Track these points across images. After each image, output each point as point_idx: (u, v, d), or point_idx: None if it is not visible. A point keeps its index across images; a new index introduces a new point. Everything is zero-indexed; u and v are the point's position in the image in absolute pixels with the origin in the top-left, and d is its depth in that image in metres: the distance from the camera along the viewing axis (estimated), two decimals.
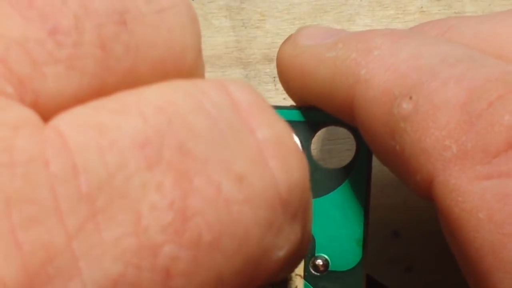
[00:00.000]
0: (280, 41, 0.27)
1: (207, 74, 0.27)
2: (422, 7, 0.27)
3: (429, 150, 0.17)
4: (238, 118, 0.13)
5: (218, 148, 0.12)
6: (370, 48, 0.18)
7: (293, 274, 0.20)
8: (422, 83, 0.17)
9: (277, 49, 0.25)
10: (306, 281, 0.20)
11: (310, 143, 0.21)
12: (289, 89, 0.21)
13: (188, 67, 0.14)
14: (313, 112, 0.20)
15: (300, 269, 0.20)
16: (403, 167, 0.18)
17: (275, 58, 0.27)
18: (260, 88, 0.27)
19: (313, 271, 0.20)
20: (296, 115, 0.21)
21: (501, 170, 0.15)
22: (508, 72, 0.17)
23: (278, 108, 0.20)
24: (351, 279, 0.20)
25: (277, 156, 0.13)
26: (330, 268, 0.20)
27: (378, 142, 0.18)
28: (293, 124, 0.20)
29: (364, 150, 0.20)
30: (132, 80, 0.13)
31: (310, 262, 0.20)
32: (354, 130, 0.20)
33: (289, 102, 0.22)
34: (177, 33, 0.13)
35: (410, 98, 0.17)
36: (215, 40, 0.27)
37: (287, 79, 0.21)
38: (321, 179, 0.20)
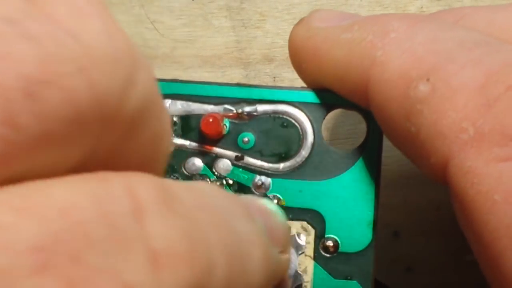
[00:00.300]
0: (280, 41, 0.27)
1: (207, 74, 0.27)
2: (422, 7, 0.27)
3: (446, 132, 0.17)
4: (137, 227, 0.12)
5: (112, 258, 0.11)
6: (386, 30, 0.18)
7: (303, 255, 0.20)
8: (439, 66, 0.17)
9: (277, 49, 0.25)
10: (316, 262, 0.20)
11: (321, 125, 0.21)
12: (302, 72, 0.21)
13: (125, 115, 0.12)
14: (324, 94, 0.21)
15: (310, 250, 0.21)
16: (418, 149, 0.18)
17: (275, 58, 0.27)
18: None
19: (323, 252, 0.21)
20: (308, 97, 0.21)
21: None
22: None
23: (289, 88, 0.21)
24: (361, 260, 0.20)
25: (169, 266, 0.12)
26: (340, 250, 0.20)
27: (393, 124, 0.18)
28: (304, 105, 0.21)
29: (375, 133, 0.21)
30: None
31: (320, 243, 0.21)
32: (365, 113, 0.20)
33: None
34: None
35: (428, 80, 0.17)
36: (215, 40, 0.27)
37: (300, 61, 0.21)
38: (331, 161, 0.21)
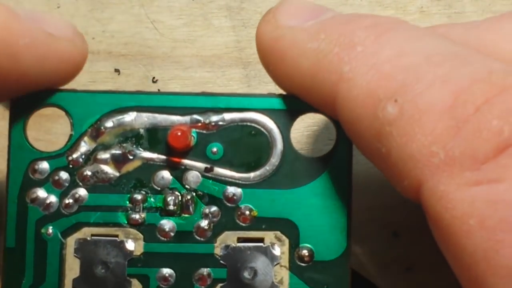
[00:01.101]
0: None
1: (207, 74, 0.27)
2: (422, 7, 0.27)
3: (416, 156, 0.16)
4: None
5: None
6: (353, 43, 0.18)
7: (278, 266, 0.20)
8: (406, 85, 0.17)
9: None
10: (291, 272, 0.20)
11: (290, 131, 0.20)
12: (270, 73, 0.20)
13: None
14: (291, 99, 0.20)
15: (285, 261, 0.20)
16: (390, 169, 0.17)
17: None
18: (260, 88, 0.27)
19: (298, 262, 0.20)
20: (275, 103, 0.20)
21: (490, 176, 0.15)
22: (494, 71, 0.16)
23: (256, 96, 0.20)
24: (337, 268, 0.20)
25: None
26: (315, 258, 0.20)
27: (363, 142, 0.18)
28: (271, 112, 0.20)
29: (345, 139, 0.20)
30: None
31: (295, 252, 0.20)
32: (334, 119, 0.20)
33: None
34: None
35: (395, 101, 0.17)
36: (215, 40, 0.27)
37: (267, 63, 0.20)
38: (301, 168, 0.20)
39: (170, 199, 0.20)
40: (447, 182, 0.16)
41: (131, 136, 0.20)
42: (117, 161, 0.20)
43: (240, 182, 0.20)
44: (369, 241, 0.25)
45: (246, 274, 0.20)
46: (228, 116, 0.20)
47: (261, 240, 0.20)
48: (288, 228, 0.20)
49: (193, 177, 0.20)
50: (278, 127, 0.20)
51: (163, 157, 0.20)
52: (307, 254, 0.20)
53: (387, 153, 0.17)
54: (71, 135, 0.20)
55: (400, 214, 0.26)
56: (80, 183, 0.20)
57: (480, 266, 0.15)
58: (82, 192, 0.20)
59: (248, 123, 0.20)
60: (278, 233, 0.20)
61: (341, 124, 0.19)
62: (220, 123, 0.20)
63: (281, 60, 0.19)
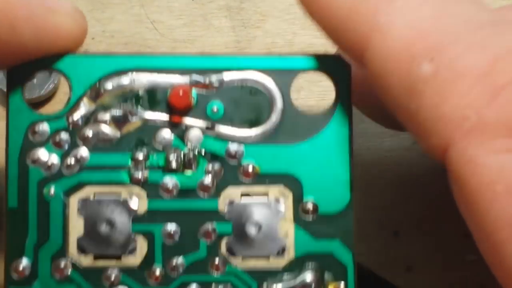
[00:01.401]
0: (280, 41, 0.27)
1: None
2: None
3: (447, 117, 0.16)
4: None
5: None
6: None
7: (283, 220, 0.20)
8: (444, 46, 0.17)
9: (277, 49, 0.25)
10: (296, 225, 0.20)
11: (289, 89, 0.21)
12: (305, 5, 0.20)
13: None
14: (289, 58, 0.20)
15: (289, 214, 0.20)
16: (418, 127, 0.17)
17: None
18: None
19: (302, 216, 0.20)
20: (274, 62, 0.20)
21: None
22: None
23: (255, 55, 0.20)
24: (341, 221, 0.20)
25: None
26: (319, 212, 0.20)
27: (391, 96, 0.18)
28: (270, 71, 0.20)
29: (344, 94, 0.20)
30: None
31: (299, 207, 0.20)
32: (333, 75, 0.20)
33: None
34: None
35: (431, 60, 0.17)
36: (215, 40, 0.27)
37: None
38: (302, 124, 0.20)
39: (172, 157, 0.20)
40: (477, 146, 0.16)
41: (130, 97, 0.20)
42: (118, 121, 0.20)
43: (241, 139, 0.20)
44: (369, 241, 0.26)
45: (251, 229, 0.20)
46: (227, 76, 0.20)
47: (265, 195, 0.20)
48: (292, 183, 0.20)
49: (194, 135, 0.20)
50: (278, 85, 0.20)
51: (164, 117, 0.20)
52: (311, 207, 0.20)
53: (416, 110, 0.17)
54: (69, 97, 0.20)
55: (400, 214, 0.26)
56: (81, 144, 0.20)
57: (502, 233, 0.16)
58: (83, 152, 0.20)
59: (247, 83, 0.20)
60: (282, 188, 0.20)
61: (368, 74, 0.18)
62: (220, 83, 0.20)
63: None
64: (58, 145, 0.20)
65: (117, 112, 0.20)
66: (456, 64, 0.16)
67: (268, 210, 0.20)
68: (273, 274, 0.20)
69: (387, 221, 0.26)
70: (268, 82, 0.20)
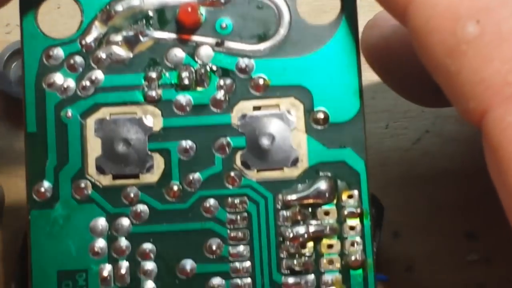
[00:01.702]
0: None
1: None
2: None
3: (489, 81, 0.16)
4: None
5: None
6: None
7: (295, 130, 0.21)
8: (491, 8, 0.17)
9: None
10: (308, 135, 0.21)
11: (296, 2, 0.21)
12: None
13: None
14: None
15: (301, 125, 0.21)
16: (456, 89, 0.17)
17: None
18: None
19: (314, 125, 0.21)
20: None
21: None
22: None
23: None
24: (352, 128, 0.21)
25: None
26: (330, 121, 0.21)
27: (431, 56, 0.17)
28: None
29: (349, 4, 0.21)
30: None
31: (310, 117, 0.21)
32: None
33: None
34: None
35: (477, 22, 0.16)
36: None
37: None
38: (310, 35, 0.21)
39: (184, 74, 0.21)
40: None
41: (141, 17, 0.21)
42: (129, 42, 0.21)
43: (251, 54, 0.21)
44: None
45: (264, 140, 0.21)
46: None
47: (276, 107, 0.21)
48: (302, 94, 0.21)
49: (205, 52, 0.21)
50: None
51: (174, 35, 0.21)
52: (322, 116, 0.21)
53: (456, 72, 0.17)
54: (81, 21, 0.21)
55: (400, 214, 0.26)
56: (95, 66, 0.21)
57: None
58: (98, 74, 0.21)
59: None
60: (292, 99, 0.21)
61: (409, 31, 0.18)
62: None
63: None
64: (72, 68, 0.21)
65: (128, 33, 0.21)
66: (503, 27, 0.16)
67: (280, 122, 0.21)
68: (287, 185, 0.21)
69: (387, 221, 0.26)
70: None
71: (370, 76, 0.25)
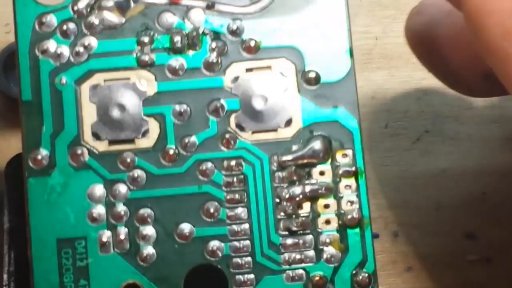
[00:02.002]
0: None
1: None
2: None
3: None
4: None
5: None
6: None
7: (287, 91, 0.21)
8: None
9: None
10: (301, 95, 0.21)
11: None
12: None
13: None
14: None
15: (293, 85, 0.21)
16: None
17: None
18: None
19: (306, 85, 0.21)
20: None
21: None
22: None
23: None
24: (344, 87, 0.21)
25: None
26: (322, 81, 0.21)
27: (487, 37, 0.17)
28: None
29: None
30: None
31: (302, 77, 0.21)
32: None
33: None
34: None
35: None
36: None
37: None
38: None
39: (176, 38, 0.21)
40: None
41: None
42: (121, 7, 0.21)
43: (241, 15, 0.21)
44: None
45: (258, 102, 0.21)
46: None
47: (268, 68, 0.21)
48: (293, 54, 0.21)
49: (196, 15, 0.21)
50: None
51: None
52: (313, 76, 0.21)
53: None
54: None
55: (400, 214, 0.26)
56: (88, 32, 0.21)
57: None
58: (91, 40, 0.21)
59: None
60: (284, 60, 0.21)
61: (464, 14, 0.18)
62: None
63: None
64: (65, 35, 0.21)
65: None
66: None
67: (273, 83, 0.21)
68: (282, 145, 0.21)
69: (387, 221, 0.26)
70: None
71: (370, 76, 0.25)
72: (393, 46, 0.28)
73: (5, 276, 0.23)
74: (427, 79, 0.27)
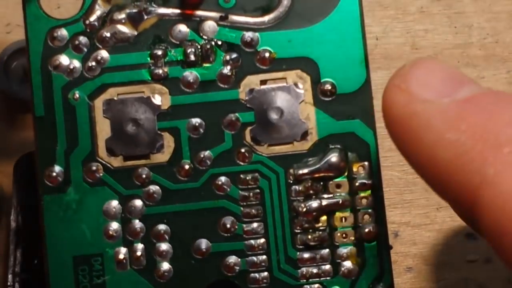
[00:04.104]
0: None
1: None
2: (422, 7, 0.27)
3: None
4: None
5: None
6: (499, 142, 0.16)
7: (303, 103, 0.21)
8: None
9: None
10: (316, 107, 0.21)
11: None
12: (400, 150, 0.18)
13: None
14: None
15: (309, 97, 0.21)
16: None
17: None
18: None
19: (321, 97, 0.21)
20: None
21: None
22: None
23: None
24: (360, 98, 0.21)
25: None
26: (337, 92, 0.21)
27: (508, 256, 0.16)
28: None
29: None
30: None
31: (318, 88, 0.21)
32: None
33: None
34: None
35: None
36: None
37: (397, 139, 0.18)
38: (313, 6, 0.21)
39: (190, 50, 0.21)
40: None
41: None
42: (133, 20, 0.21)
43: (255, 27, 0.21)
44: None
45: (273, 115, 0.20)
46: None
47: (283, 80, 0.21)
48: (308, 65, 0.21)
49: (209, 27, 0.21)
50: None
51: (177, 11, 0.21)
52: (329, 88, 0.21)
53: None
54: (84, 0, 0.21)
55: (400, 214, 0.26)
56: (100, 46, 0.21)
57: None
58: (103, 54, 0.21)
59: None
60: (299, 71, 0.21)
61: (481, 226, 0.16)
62: None
63: (414, 142, 0.17)
64: (77, 49, 0.21)
65: (131, 10, 0.21)
66: None
67: (288, 95, 0.21)
68: (298, 159, 0.21)
69: (387, 221, 0.26)
70: None
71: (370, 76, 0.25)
72: (393, 46, 0.27)
73: (9, 277, 0.23)
74: None
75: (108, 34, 0.21)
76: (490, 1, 0.27)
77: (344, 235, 0.20)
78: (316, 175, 0.20)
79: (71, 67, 0.21)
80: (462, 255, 0.26)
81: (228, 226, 0.20)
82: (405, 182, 0.26)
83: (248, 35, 0.21)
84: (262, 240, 0.20)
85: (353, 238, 0.20)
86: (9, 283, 0.23)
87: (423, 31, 0.27)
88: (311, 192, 0.20)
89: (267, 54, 0.21)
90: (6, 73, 0.26)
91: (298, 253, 0.20)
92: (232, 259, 0.20)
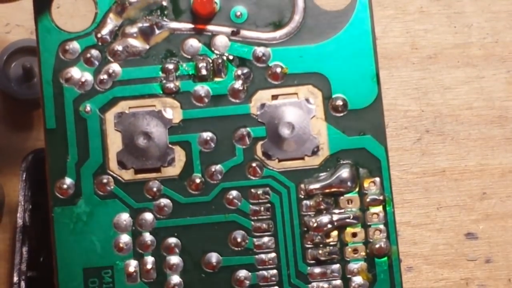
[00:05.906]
0: None
1: None
2: (421, 7, 0.27)
3: None
4: None
5: None
6: None
7: (315, 118, 0.21)
8: None
9: None
10: (328, 123, 0.21)
11: None
12: None
13: None
14: None
15: (320, 112, 0.21)
16: None
17: None
18: None
19: (333, 113, 0.21)
20: None
21: None
22: None
23: None
24: (371, 115, 0.21)
25: None
26: (349, 107, 0.21)
27: None
28: None
29: None
30: None
31: (329, 104, 0.21)
32: None
33: None
34: None
35: None
36: None
37: None
38: (325, 22, 0.21)
39: (201, 65, 0.21)
40: None
41: (155, 8, 0.21)
42: (145, 34, 0.21)
43: (267, 42, 0.21)
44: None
45: (284, 129, 0.21)
46: None
47: (294, 95, 0.21)
48: (320, 81, 0.21)
49: (221, 41, 0.21)
50: None
51: (189, 25, 0.21)
52: (341, 103, 0.21)
53: None
54: (96, 13, 0.21)
55: (400, 215, 0.26)
56: (112, 59, 0.21)
57: None
58: (115, 67, 0.21)
59: None
60: (310, 87, 0.21)
61: None
62: None
63: None
64: (89, 62, 0.21)
65: (143, 24, 0.21)
66: None
67: (299, 110, 0.21)
68: (309, 174, 0.21)
69: None
70: None
71: None
72: (393, 46, 0.27)
73: (15, 275, 0.23)
74: (427, 79, 0.26)
75: (120, 48, 0.21)
76: (489, 1, 0.27)
77: (354, 250, 0.21)
78: (327, 191, 0.20)
79: (83, 80, 0.21)
80: (462, 255, 0.26)
81: (239, 240, 0.20)
82: (405, 182, 0.27)
83: (260, 50, 0.21)
84: (273, 255, 0.20)
85: (364, 253, 0.21)
86: (15, 281, 0.23)
87: (423, 31, 0.27)
88: (322, 207, 0.20)
89: (278, 69, 0.21)
90: (6, 73, 0.26)
91: (308, 268, 0.20)
92: (243, 273, 0.20)
